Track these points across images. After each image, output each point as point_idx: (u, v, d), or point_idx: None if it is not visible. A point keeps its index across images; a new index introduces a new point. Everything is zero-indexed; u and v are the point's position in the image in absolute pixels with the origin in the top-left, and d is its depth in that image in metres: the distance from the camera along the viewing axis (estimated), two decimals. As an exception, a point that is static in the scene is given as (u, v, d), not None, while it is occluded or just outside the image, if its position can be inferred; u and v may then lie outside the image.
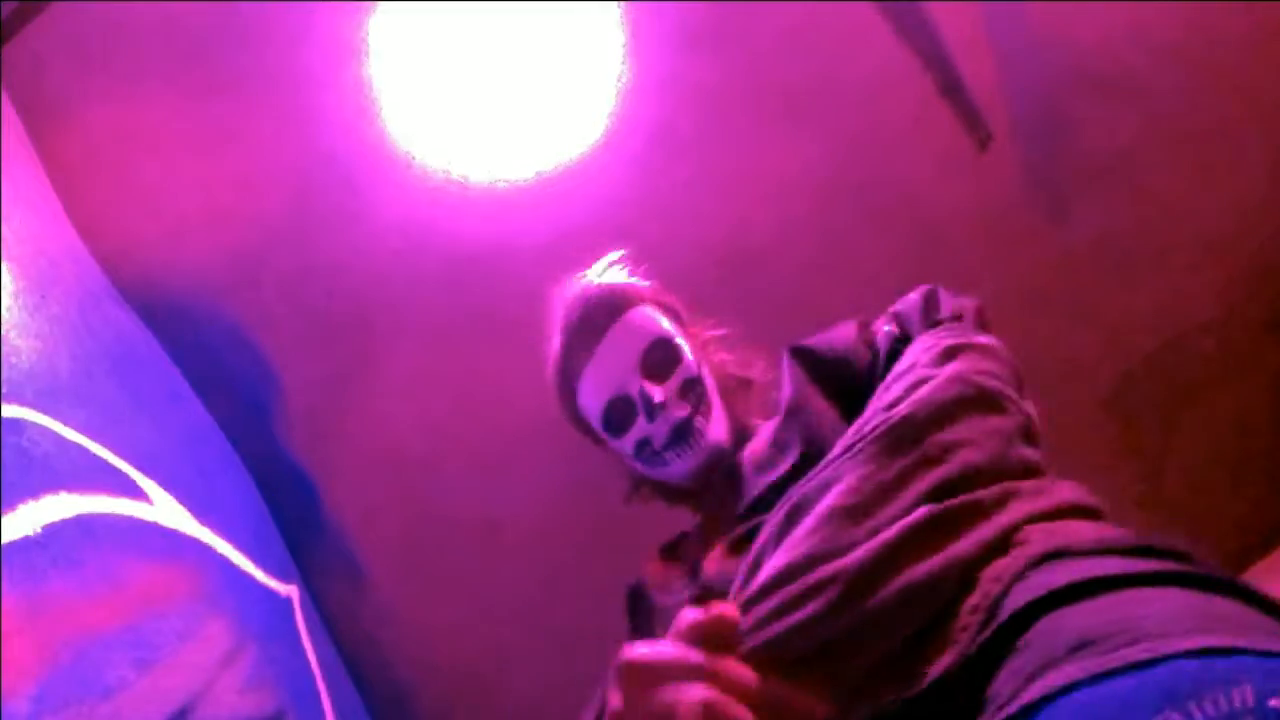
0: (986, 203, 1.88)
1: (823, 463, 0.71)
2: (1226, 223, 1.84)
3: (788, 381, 0.95)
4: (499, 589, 1.90)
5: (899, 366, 0.80)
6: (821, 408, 0.88)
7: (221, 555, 1.47)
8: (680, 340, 1.02)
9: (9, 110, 1.69)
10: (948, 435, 0.68)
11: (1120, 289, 1.87)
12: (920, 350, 0.81)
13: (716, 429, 1.00)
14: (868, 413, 0.75)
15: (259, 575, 1.59)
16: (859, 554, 0.58)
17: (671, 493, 1.08)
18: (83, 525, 1.07)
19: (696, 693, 0.51)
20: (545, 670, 1.82)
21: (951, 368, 0.75)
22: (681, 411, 0.97)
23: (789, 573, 0.60)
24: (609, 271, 1.09)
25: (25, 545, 0.96)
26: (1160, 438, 1.87)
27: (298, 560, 1.85)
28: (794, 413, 0.89)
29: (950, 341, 0.80)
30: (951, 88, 1.83)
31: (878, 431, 0.67)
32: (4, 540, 0.92)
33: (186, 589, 1.28)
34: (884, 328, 0.91)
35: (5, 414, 1.05)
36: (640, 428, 0.99)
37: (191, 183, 1.90)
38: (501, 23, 1.88)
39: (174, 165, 1.90)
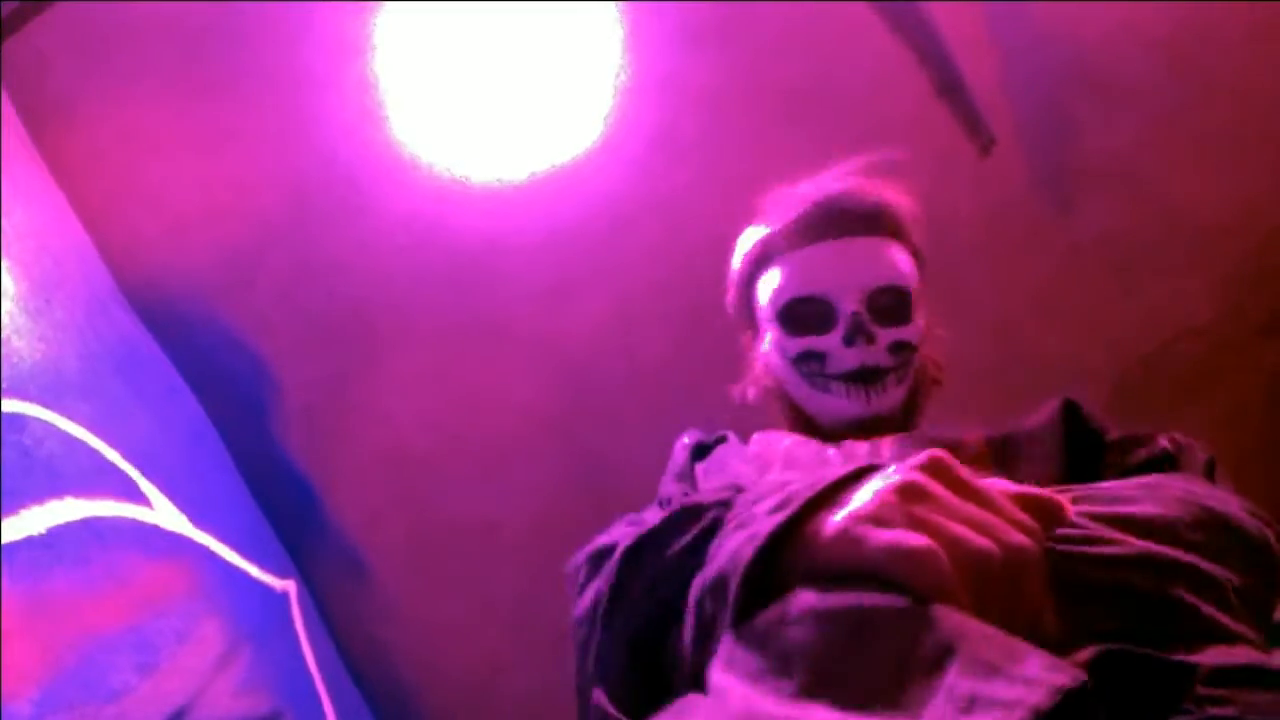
0: (987, 203, 1.88)
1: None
2: (1223, 224, 1.84)
3: (1047, 419, 0.87)
4: (500, 588, 1.90)
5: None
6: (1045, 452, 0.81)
7: (216, 553, 1.48)
8: (917, 302, 0.93)
9: (9, 109, 1.69)
10: (1229, 545, 0.64)
11: (1118, 290, 1.88)
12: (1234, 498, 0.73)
13: (894, 398, 0.91)
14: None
15: (254, 571, 1.59)
16: (1142, 545, 0.57)
17: (794, 413, 0.97)
18: (88, 528, 1.07)
19: (1021, 536, 0.47)
20: (547, 669, 1.82)
21: (1252, 512, 0.70)
22: (883, 360, 0.88)
23: (1157, 522, 0.57)
24: (892, 188, 0.97)
25: (30, 546, 0.96)
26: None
27: (299, 559, 1.85)
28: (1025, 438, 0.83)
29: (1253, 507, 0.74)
30: (951, 88, 1.83)
31: (1188, 494, 0.63)
32: (11, 540, 0.92)
33: (184, 587, 1.29)
34: (1162, 443, 0.83)
35: (6, 409, 1.05)
36: (828, 341, 0.88)
37: (192, 181, 1.90)
38: (502, 22, 1.87)
39: (175, 164, 1.90)
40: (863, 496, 0.50)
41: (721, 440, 0.94)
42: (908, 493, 0.50)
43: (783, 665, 0.45)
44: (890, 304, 0.90)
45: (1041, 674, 0.38)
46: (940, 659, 0.41)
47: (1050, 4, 1.83)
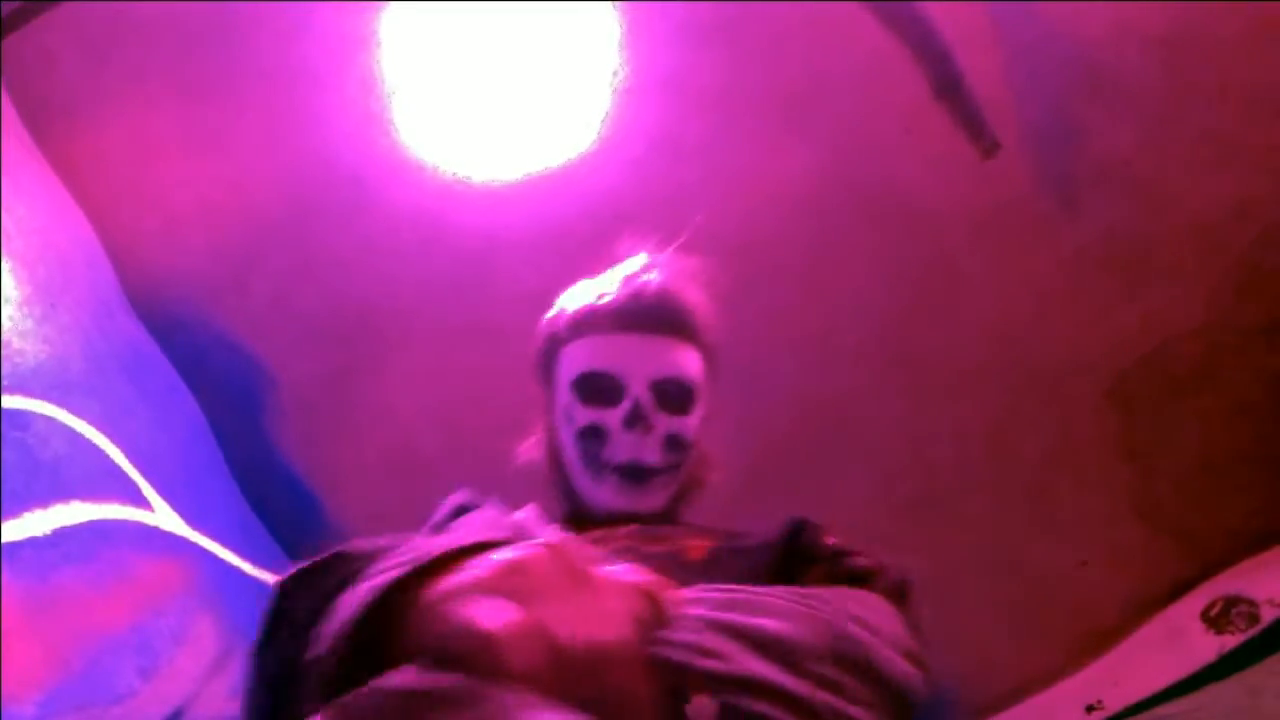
0: (988, 203, 1.88)
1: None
2: (1222, 224, 1.84)
3: (769, 542, 0.87)
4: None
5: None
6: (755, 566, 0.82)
7: (210, 550, 1.50)
8: (699, 402, 0.98)
9: (9, 110, 1.69)
10: (869, 696, 0.64)
11: (1118, 290, 1.88)
12: (901, 638, 0.75)
13: (658, 500, 0.96)
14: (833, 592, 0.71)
15: (247, 567, 1.61)
16: (752, 667, 0.56)
17: (564, 488, 1.02)
18: (93, 529, 1.07)
19: (625, 626, 0.48)
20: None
21: (912, 656, 0.71)
22: (655, 458, 0.94)
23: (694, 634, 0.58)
24: (693, 286, 1.03)
25: (36, 546, 0.96)
26: (1154, 437, 1.88)
27: (301, 558, 1.86)
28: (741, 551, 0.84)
29: (917, 648, 0.76)
30: (949, 90, 1.83)
31: (823, 618, 0.63)
32: (17, 540, 0.92)
33: (180, 584, 1.30)
34: (860, 561, 0.85)
35: (7, 405, 1.06)
36: (610, 419, 0.93)
37: (193, 180, 1.90)
38: (503, 21, 1.87)
39: (179, 164, 1.89)
40: (471, 567, 0.49)
41: (478, 506, 0.98)
42: (514, 570, 0.49)
43: None
44: (673, 394, 0.96)
45: None
46: None
47: (1052, 4, 1.83)
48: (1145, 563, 1.89)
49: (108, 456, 1.26)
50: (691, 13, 1.86)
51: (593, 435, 0.94)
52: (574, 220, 1.93)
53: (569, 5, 1.85)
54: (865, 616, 0.68)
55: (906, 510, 1.91)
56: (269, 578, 1.70)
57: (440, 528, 0.93)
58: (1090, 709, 1.82)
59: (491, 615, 0.44)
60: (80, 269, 1.54)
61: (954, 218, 1.89)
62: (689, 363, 0.98)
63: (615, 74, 1.88)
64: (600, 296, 1.00)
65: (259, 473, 1.91)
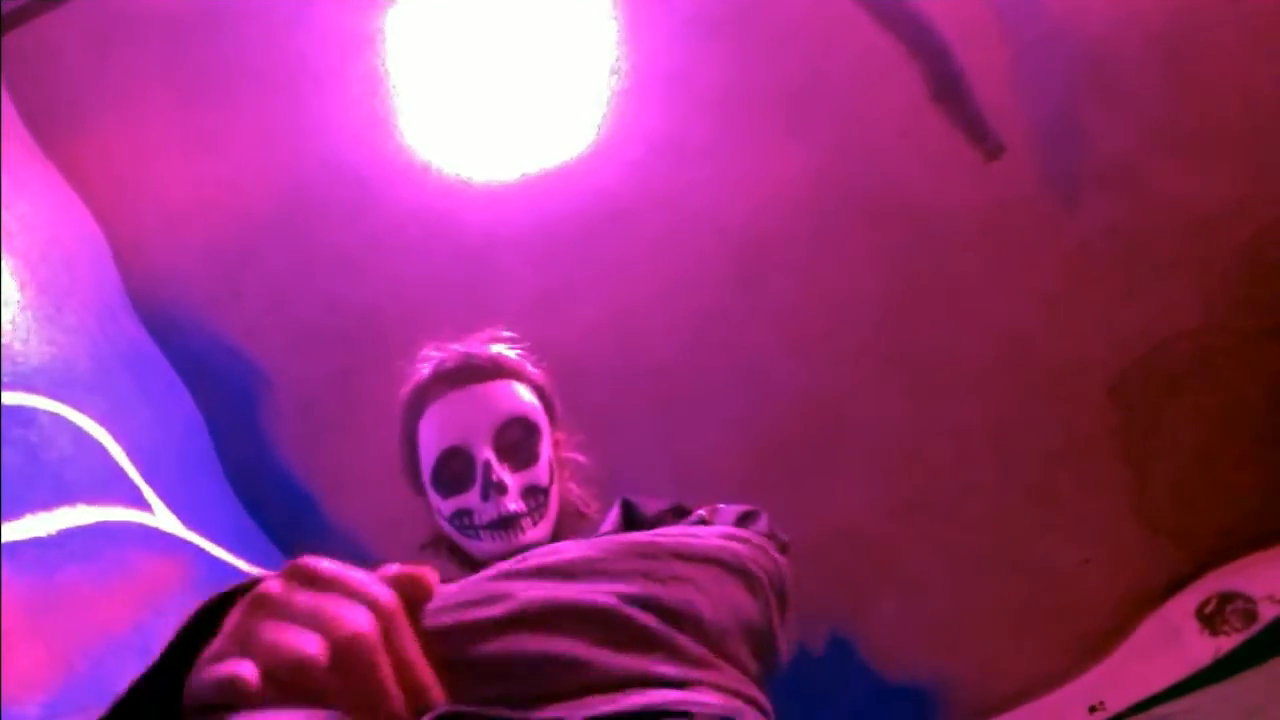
0: (988, 203, 1.88)
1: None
2: (1222, 224, 1.84)
3: (609, 522, 1.03)
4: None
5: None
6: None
7: (208, 552, 1.51)
8: (543, 435, 1.05)
9: (9, 108, 1.69)
10: (683, 571, 0.75)
11: (1118, 290, 1.88)
12: (714, 528, 0.87)
13: (537, 534, 1.01)
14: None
15: (242, 565, 1.62)
16: (533, 593, 0.64)
17: (460, 556, 1.09)
18: (95, 529, 1.08)
19: (360, 617, 0.49)
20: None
21: (727, 536, 0.83)
22: (517, 506, 0.99)
23: (480, 588, 0.64)
24: (499, 347, 1.11)
25: (40, 546, 0.97)
26: (1154, 436, 1.88)
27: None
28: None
29: (745, 533, 0.89)
30: (948, 91, 1.83)
31: (622, 536, 0.71)
32: (20, 539, 0.93)
33: (180, 584, 1.30)
34: (699, 511, 0.99)
35: (9, 401, 1.06)
36: (469, 499, 1.00)
37: (193, 180, 1.90)
38: (503, 21, 1.87)
39: (177, 162, 1.89)
40: (225, 627, 0.52)
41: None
42: (254, 607, 0.51)
43: None
44: (517, 439, 1.02)
45: None
46: None
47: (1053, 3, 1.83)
48: (1145, 563, 1.89)
49: (110, 456, 1.26)
50: (693, 12, 1.86)
51: (460, 516, 1.01)
52: (575, 220, 1.93)
53: (569, 4, 1.86)
54: (680, 531, 0.78)
55: (907, 510, 1.91)
56: (263, 574, 1.71)
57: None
58: (1093, 709, 1.82)
59: (220, 668, 0.47)
60: (85, 268, 1.55)
61: (955, 217, 1.89)
62: (520, 398, 1.05)
63: (615, 74, 1.88)
64: (423, 370, 1.08)
65: (257, 474, 1.91)
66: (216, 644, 0.51)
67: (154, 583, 1.24)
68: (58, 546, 1.01)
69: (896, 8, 1.83)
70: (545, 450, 1.04)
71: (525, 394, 1.06)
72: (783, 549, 0.96)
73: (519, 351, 1.12)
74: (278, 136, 1.91)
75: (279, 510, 1.91)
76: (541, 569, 0.69)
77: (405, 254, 1.94)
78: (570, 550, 0.72)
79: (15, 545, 0.96)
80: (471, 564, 1.06)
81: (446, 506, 1.02)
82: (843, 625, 1.90)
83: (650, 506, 1.04)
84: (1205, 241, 1.85)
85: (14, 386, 1.09)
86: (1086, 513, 1.91)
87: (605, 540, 0.77)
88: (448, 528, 1.05)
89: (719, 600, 0.79)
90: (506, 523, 0.98)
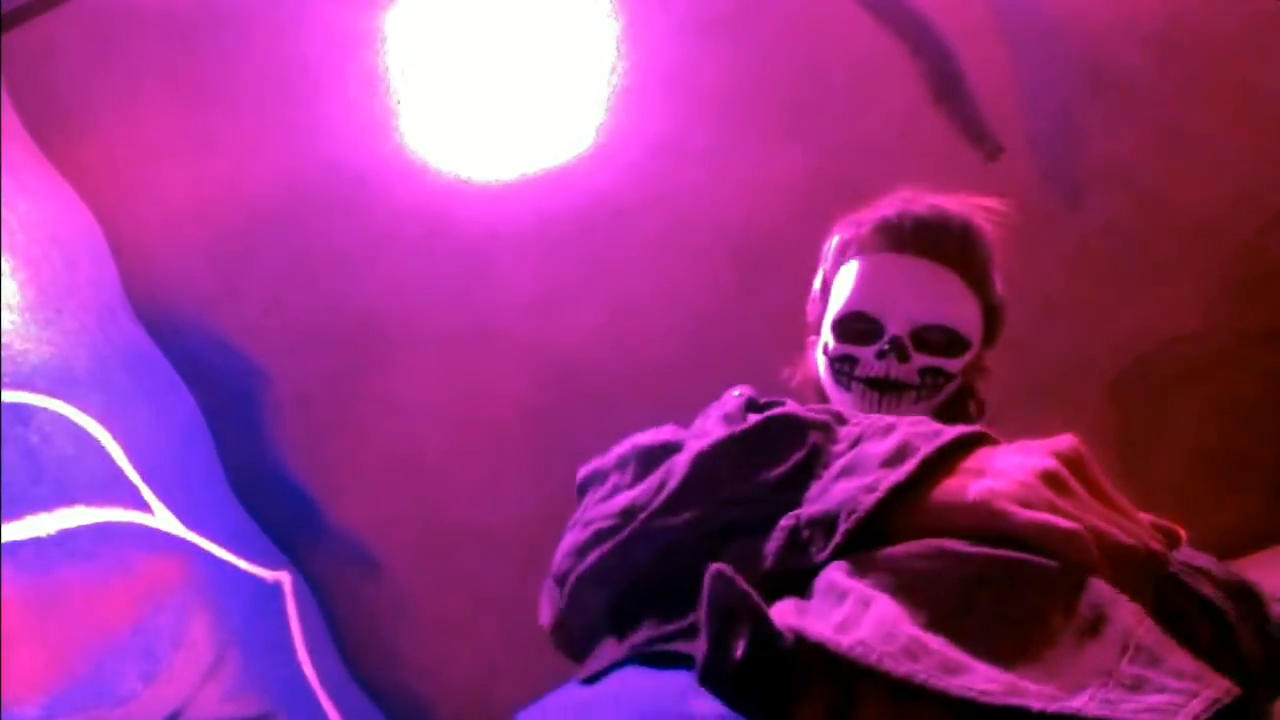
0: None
1: None
2: (1222, 225, 1.84)
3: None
4: (500, 587, 1.91)
5: None
6: None
7: (208, 552, 1.51)
8: (967, 353, 0.91)
9: (9, 108, 1.69)
10: None
11: (1119, 290, 1.88)
12: None
13: (915, 412, 0.88)
14: None
15: (243, 565, 1.62)
16: None
17: (815, 391, 1.00)
18: (94, 529, 1.08)
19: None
20: (554, 668, 1.82)
21: None
22: (910, 377, 0.87)
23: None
24: (997, 229, 0.93)
25: (39, 546, 0.97)
26: (1153, 436, 1.89)
27: (304, 560, 1.86)
28: None
29: None
30: (949, 92, 1.83)
31: None
32: (20, 539, 0.93)
33: (180, 583, 1.30)
34: None
35: (8, 400, 1.06)
36: (863, 353, 0.89)
37: (192, 179, 1.90)
38: (502, 20, 1.87)
39: (176, 161, 1.89)
40: (1001, 470, 0.52)
41: (779, 404, 0.93)
42: (1049, 479, 0.51)
43: (914, 594, 0.46)
44: (938, 342, 0.89)
45: (1194, 682, 0.40)
46: (1094, 625, 0.43)
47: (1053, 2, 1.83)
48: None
49: (110, 456, 1.26)
50: (692, 11, 1.86)
51: (844, 360, 0.91)
52: (575, 220, 1.93)
53: (569, 4, 1.86)
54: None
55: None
56: (266, 575, 1.71)
57: (738, 422, 0.85)
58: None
59: (1060, 519, 0.48)
60: (85, 268, 1.55)
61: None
62: (961, 310, 0.90)
63: (615, 73, 1.88)
64: (882, 211, 0.93)
65: (258, 474, 1.91)
66: (1008, 488, 0.50)
67: (153, 583, 1.24)
68: (57, 546, 1.01)
69: (897, 7, 1.83)
70: (964, 360, 0.90)
71: (972, 312, 0.90)
72: None
73: (1003, 245, 0.93)
74: (278, 136, 1.91)
75: (279, 509, 1.91)
76: (1199, 569, 0.62)
77: (405, 254, 1.94)
78: (1214, 565, 0.66)
79: (15, 545, 0.96)
80: (818, 395, 0.97)
81: (837, 349, 0.91)
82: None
83: None
84: (1205, 241, 1.85)
85: (14, 386, 1.09)
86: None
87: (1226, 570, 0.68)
88: (824, 368, 0.94)
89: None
90: (888, 385, 0.87)
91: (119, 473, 1.26)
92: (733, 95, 1.90)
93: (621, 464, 0.74)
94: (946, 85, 1.83)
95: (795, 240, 1.94)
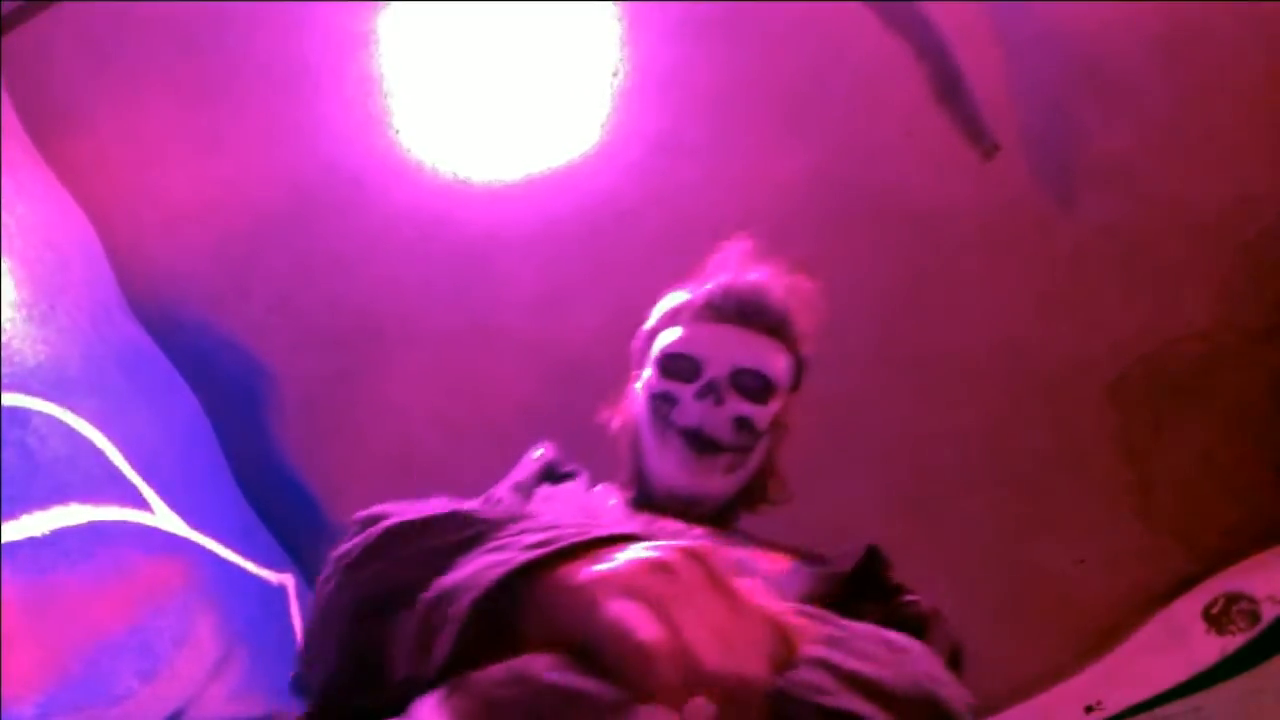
0: (988, 202, 1.88)
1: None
2: (1222, 225, 1.84)
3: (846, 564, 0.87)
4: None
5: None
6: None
7: (211, 550, 1.51)
8: (775, 400, 0.99)
9: (10, 111, 1.69)
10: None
11: (1119, 290, 1.88)
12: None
13: (720, 485, 0.96)
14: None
15: (250, 566, 1.62)
16: None
17: (630, 464, 1.04)
18: (92, 529, 1.08)
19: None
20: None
21: None
22: (720, 432, 0.94)
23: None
24: (802, 293, 1.05)
25: (35, 546, 0.97)
26: (1154, 437, 1.89)
27: (307, 559, 1.86)
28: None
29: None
30: (950, 92, 1.83)
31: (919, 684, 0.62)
32: (16, 539, 0.93)
33: (182, 584, 1.31)
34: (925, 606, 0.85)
35: (5, 402, 1.06)
36: (684, 391, 0.95)
37: (192, 180, 1.91)
38: (503, 20, 1.87)
39: (175, 162, 1.90)
40: (618, 560, 0.50)
41: (571, 476, 1.02)
42: (662, 571, 0.49)
43: None
44: (750, 384, 0.96)
45: None
46: None
47: (1051, 2, 1.83)
48: (1145, 562, 1.89)
49: (107, 457, 1.26)
50: (692, 11, 1.86)
51: (664, 400, 0.96)
52: (574, 220, 1.93)
53: (569, 4, 1.86)
54: (939, 677, 0.66)
55: (906, 510, 1.91)
56: (271, 577, 1.71)
57: (526, 490, 0.97)
58: (1089, 709, 1.82)
59: (643, 625, 0.45)
60: (80, 269, 1.55)
61: (954, 218, 1.89)
62: (774, 361, 0.99)
63: (615, 73, 1.88)
64: (699, 290, 1.03)
65: (260, 473, 1.91)
66: (612, 575, 0.49)
67: (153, 583, 1.24)
68: (54, 546, 1.01)
69: (897, 6, 1.83)
70: (772, 408, 0.98)
71: (782, 363, 1.00)
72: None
73: (805, 311, 1.04)
74: (277, 137, 1.91)
75: (283, 508, 1.91)
76: (854, 677, 0.57)
77: (405, 254, 1.94)
78: (882, 669, 0.60)
79: (12, 545, 0.96)
80: (639, 484, 1.00)
81: (659, 385, 0.97)
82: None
83: (890, 577, 0.87)
84: (1205, 241, 1.85)
85: (9, 387, 1.09)
86: (1086, 513, 1.91)
87: (912, 674, 0.63)
88: (644, 409, 0.99)
89: None
90: (704, 443, 0.93)
91: (116, 471, 1.26)
92: (733, 95, 1.89)
93: (349, 526, 0.76)
94: (948, 83, 1.83)
95: (795, 239, 1.95)
